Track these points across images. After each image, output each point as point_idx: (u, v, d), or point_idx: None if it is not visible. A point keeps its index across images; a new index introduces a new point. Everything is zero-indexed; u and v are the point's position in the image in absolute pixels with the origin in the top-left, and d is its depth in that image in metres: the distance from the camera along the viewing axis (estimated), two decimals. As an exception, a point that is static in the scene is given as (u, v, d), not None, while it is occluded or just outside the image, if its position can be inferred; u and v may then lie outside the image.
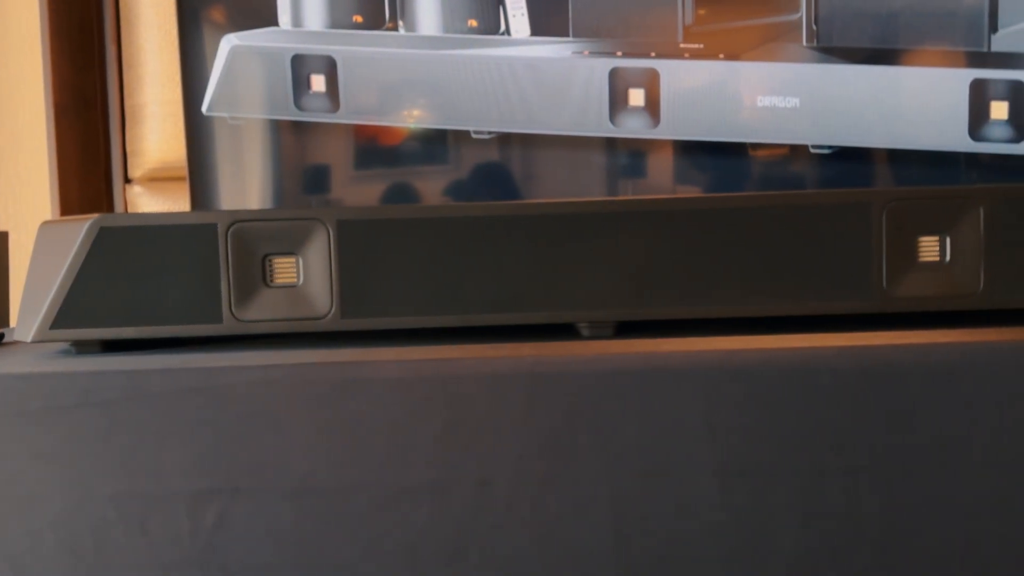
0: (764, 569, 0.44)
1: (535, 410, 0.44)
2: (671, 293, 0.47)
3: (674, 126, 0.74)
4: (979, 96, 0.73)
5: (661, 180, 0.77)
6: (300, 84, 0.76)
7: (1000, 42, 0.74)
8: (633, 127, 0.75)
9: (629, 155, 0.76)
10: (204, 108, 0.78)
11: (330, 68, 0.76)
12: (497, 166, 0.77)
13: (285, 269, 0.47)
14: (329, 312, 0.47)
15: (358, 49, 0.76)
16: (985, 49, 0.74)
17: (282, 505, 0.44)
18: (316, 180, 0.79)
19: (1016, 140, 0.73)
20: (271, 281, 0.48)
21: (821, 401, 0.44)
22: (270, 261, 0.47)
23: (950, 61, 0.74)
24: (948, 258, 0.47)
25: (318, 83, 0.76)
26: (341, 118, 0.76)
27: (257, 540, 0.44)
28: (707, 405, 0.44)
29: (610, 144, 0.75)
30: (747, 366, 0.44)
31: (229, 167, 0.79)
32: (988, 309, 0.47)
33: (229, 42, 0.77)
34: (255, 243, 0.47)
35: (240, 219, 0.47)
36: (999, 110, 0.73)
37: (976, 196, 0.46)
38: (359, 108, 0.76)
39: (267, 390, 0.44)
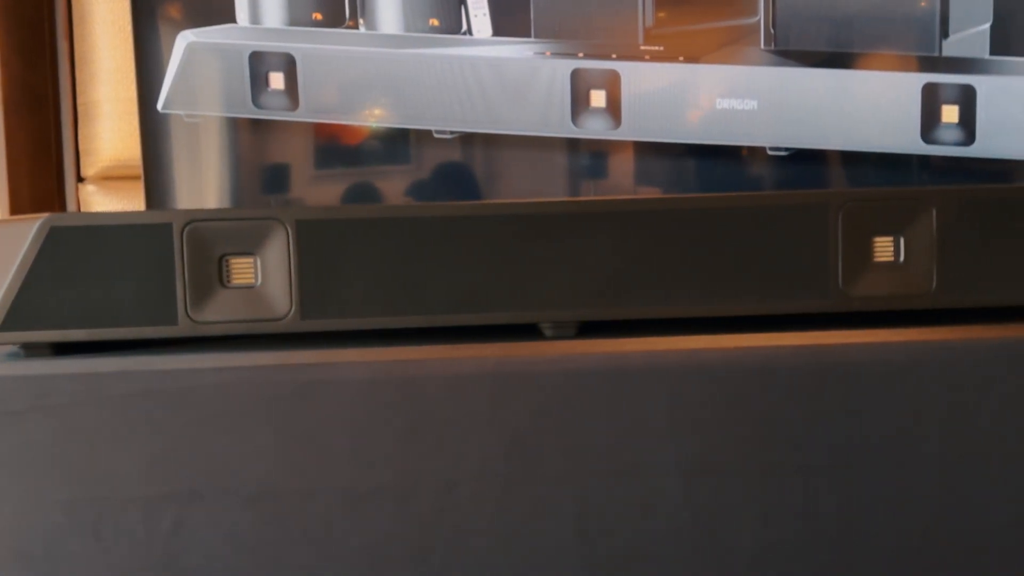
0: (725, 566, 0.45)
1: (499, 411, 0.44)
2: (633, 293, 0.47)
3: (635, 127, 0.75)
4: (931, 100, 0.74)
5: (622, 181, 0.77)
6: (258, 82, 0.75)
7: (951, 47, 0.76)
8: (595, 128, 0.75)
9: (591, 156, 0.76)
10: (159, 105, 0.76)
11: (289, 66, 0.75)
12: (459, 166, 0.77)
13: (242, 269, 0.47)
14: (288, 313, 0.47)
15: (318, 47, 0.75)
16: (937, 54, 0.76)
17: (241, 509, 0.44)
18: (275, 179, 0.78)
19: (966, 143, 0.75)
20: (228, 282, 0.47)
21: (780, 399, 0.45)
22: (227, 261, 0.47)
23: (903, 65, 0.75)
24: (902, 258, 0.47)
25: (276, 81, 0.75)
26: (301, 116, 0.75)
27: (215, 545, 0.44)
28: (669, 404, 0.44)
29: (572, 145, 0.76)
30: (708, 365, 0.45)
31: (185, 166, 0.77)
32: (940, 308, 0.48)
33: (185, 39, 0.75)
34: (211, 243, 0.46)
35: (196, 219, 0.46)
36: (950, 113, 0.74)
37: (928, 197, 0.47)
38: (319, 106, 0.75)
39: (224, 393, 0.44)
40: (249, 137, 0.76)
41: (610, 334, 0.47)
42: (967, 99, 0.74)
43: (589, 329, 0.48)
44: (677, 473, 0.45)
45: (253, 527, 0.44)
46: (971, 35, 0.76)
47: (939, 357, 0.45)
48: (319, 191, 0.77)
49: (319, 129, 0.76)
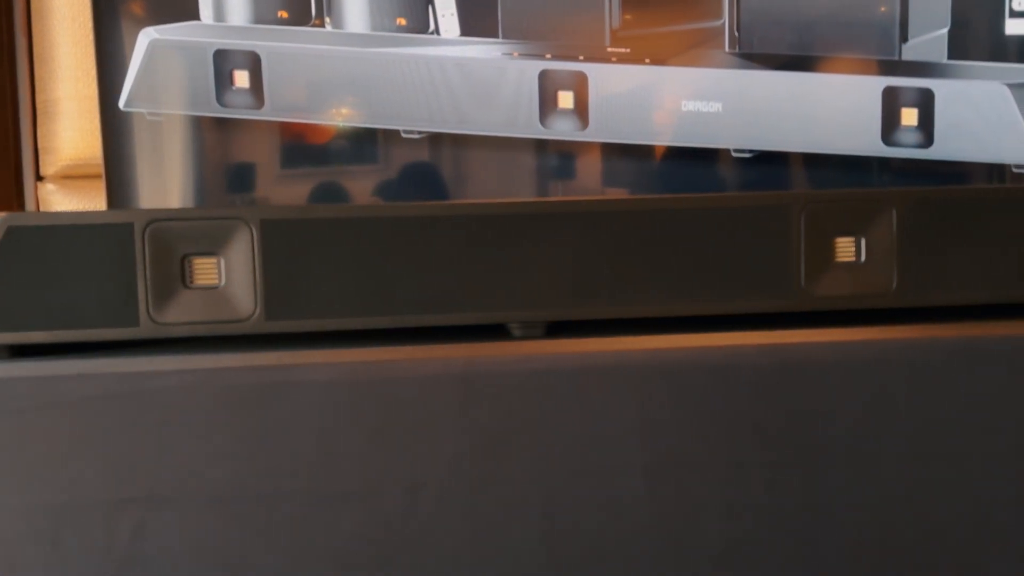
0: (691, 563, 0.45)
1: (467, 412, 0.44)
2: (600, 293, 0.48)
3: (603, 129, 0.75)
4: (891, 103, 0.76)
5: (590, 182, 0.78)
6: (223, 80, 0.74)
7: (910, 51, 0.77)
8: (563, 129, 0.75)
9: (559, 156, 0.77)
10: (121, 104, 0.75)
11: (254, 64, 0.74)
12: (427, 166, 0.77)
13: (205, 270, 0.46)
14: (253, 314, 0.46)
15: (283, 45, 0.74)
16: (896, 58, 0.77)
17: (204, 514, 0.43)
18: (240, 179, 0.77)
19: (925, 145, 0.76)
20: (191, 282, 0.46)
21: (744, 397, 0.45)
22: (189, 262, 0.46)
23: (864, 69, 0.77)
24: (863, 258, 0.48)
25: (241, 79, 0.74)
26: (266, 115, 0.74)
27: (178, 551, 0.43)
28: (636, 403, 0.45)
29: (540, 145, 0.76)
30: (674, 364, 0.45)
31: (148, 165, 0.76)
32: (901, 307, 0.49)
33: (148, 36, 0.74)
34: (173, 243, 0.46)
35: (158, 218, 0.45)
36: (909, 116, 0.76)
37: (889, 198, 0.48)
38: (285, 105, 0.74)
39: (187, 395, 0.43)
40: (213, 136, 0.75)
41: (577, 334, 0.47)
42: (926, 102, 0.76)
43: (557, 329, 0.48)
44: (643, 472, 0.45)
45: (217, 531, 0.43)
46: (929, 39, 0.77)
47: (900, 355, 0.46)
48: (285, 191, 0.76)
49: (285, 128, 0.75)
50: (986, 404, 0.46)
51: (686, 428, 0.45)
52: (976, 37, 0.79)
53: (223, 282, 0.46)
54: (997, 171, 0.79)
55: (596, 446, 0.45)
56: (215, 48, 0.74)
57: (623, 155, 0.76)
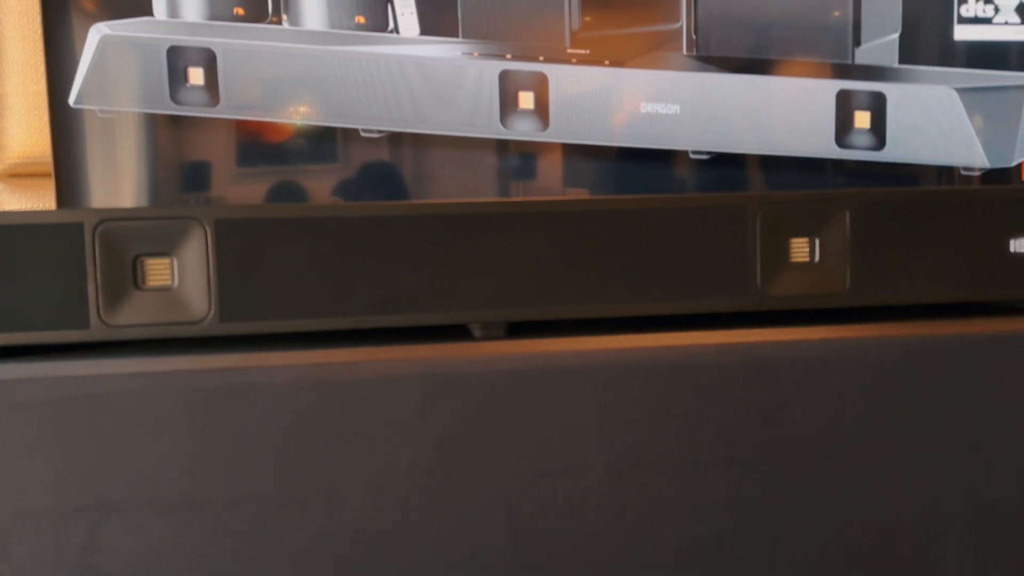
0: (654, 561, 0.45)
1: (429, 413, 0.44)
2: (561, 293, 0.48)
3: (563, 129, 0.75)
4: (844, 106, 0.77)
5: (551, 182, 0.78)
6: (176, 77, 0.73)
7: (863, 55, 0.79)
8: (523, 129, 0.75)
9: (520, 157, 0.77)
10: (71, 100, 0.73)
11: (209, 61, 0.73)
12: (387, 165, 0.76)
13: (158, 271, 0.45)
14: (207, 316, 0.45)
15: (239, 42, 0.73)
16: (850, 61, 0.79)
17: (159, 520, 0.42)
18: (195, 178, 0.75)
19: (877, 148, 0.78)
20: (143, 283, 0.45)
21: (704, 396, 0.46)
22: (141, 262, 0.45)
23: (818, 72, 0.78)
24: (817, 258, 0.49)
25: (196, 76, 0.73)
26: (221, 113, 0.73)
27: (133, 558, 0.42)
28: (598, 403, 0.45)
29: (501, 146, 0.76)
30: (635, 364, 0.45)
31: (99, 163, 0.74)
32: (854, 306, 0.50)
33: (99, 31, 0.72)
34: (125, 243, 0.45)
35: (109, 218, 0.44)
36: (862, 119, 0.77)
37: (842, 200, 0.49)
38: (241, 103, 0.73)
39: (140, 399, 0.42)
40: (167, 134, 0.74)
41: (539, 334, 0.47)
42: (878, 105, 0.77)
43: (518, 329, 0.48)
44: (606, 471, 0.45)
45: (173, 538, 0.42)
46: (881, 44, 0.79)
47: (852, 353, 0.47)
48: (242, 190, 0.75)
49: (241, 126, 0.74)
50: (937, 400, 0.47)
51: (647, 427, 0.45)
52: (926, 42, 0.81)
53: (176, 283, 0.45)
54: (946, 173, 0.81)
55: (558, 446, 0.45)
56: (169, 45, 0.72)
57: (584, 156, 0.77)
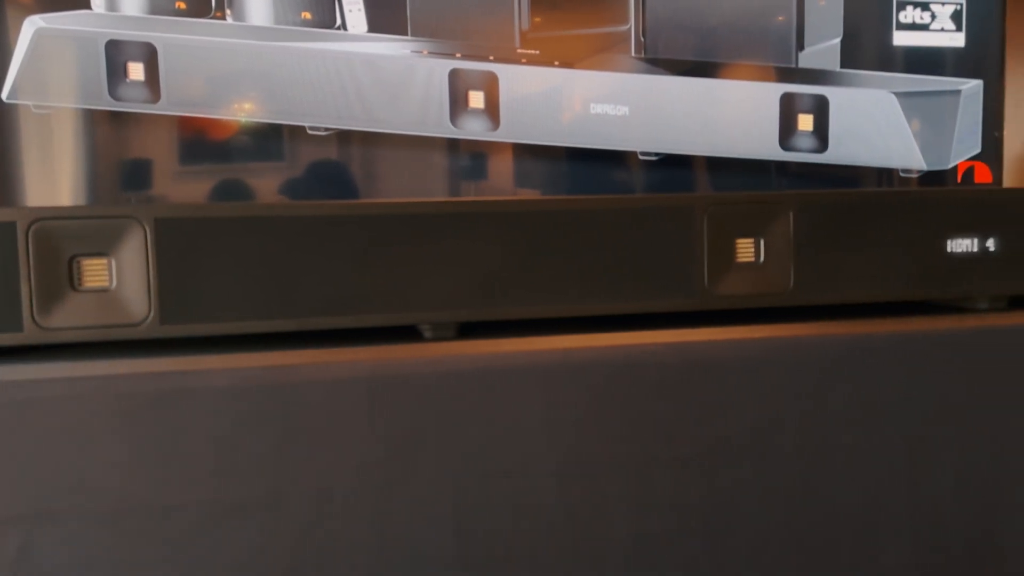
0: (601, 560, 0.46)
1: (376, 415, 0.43)
2: (511, 293, 0.47)
3: (513, 129, 0.75)
4: (788, 109, 0.79)
5: (502, 182, 0.78)
6: (115, 72, 0.71)
7: (806, 59, 0.80)
8: (474, 129, 0.75)
9: (471, 156, 0.76)
10: (3, 95, 0.71)
11: (150, 56, 0.71)
12: (335, 164, 0.75)
13: (95, 271, 0.44)
14: (146, 318, 0.44)
15: (181, 37, 0.71)
16: (793, 65, 0.80)
17: (96, 530, 0.41)
18: (135, 176, 0.73)
19: (820, 150, 0.79)
20: (79, 285, 0.44)
21: (650, 395, 0.46)
22: (78, 263, 0.43)
23: (763, 75, 0.79)
24: (762, 258, 0.50)
25: (136, 71, 0.71)
26: (162, 109, 0.71)
27: (69, 569, 0.41)
28: (547, 403, 0.45)
29: (452, 145, 0.75)
30: (583, 363, 0.45)
31: (35, 160, 0.72)
32: (797, 305, 0.51)
33: (33, 24, 0.70)
34: (60, 243, 0.43)
35: (43, 217, 0.43)
36: (805, 122, 0.79)
37: (786, 201, 0.50)
38: (183, 99, 0.71)
39: (76, 404, 0.41)
40: (106, 130, 0.72)
41: (489, 335, 0.47)
42: (820, 108, 0.79)
43: (468, 330, 0.48)
44: (553, 471, 0.45)
45: (111, 547, 0.41)
46: (824, 48, 0.81)
47: (795, 351, 0.48)
48: (185, 188, 0.73)
49: (184, 123, 0.72)
50: (876, 397, 0.48)
51: (595, 427, 0.45)
52: (866, 47, 0.83)
53: (114, 284, 0.44)
54: (886, 175, 0.83)
55: (507, 446, 0.44)
56: (107, 39, 0.70)
57: (535, 156, 0.77)
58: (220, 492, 0.42)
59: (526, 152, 0.77)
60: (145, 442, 0.41)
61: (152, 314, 0.44)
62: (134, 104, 0.71)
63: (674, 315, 0.50)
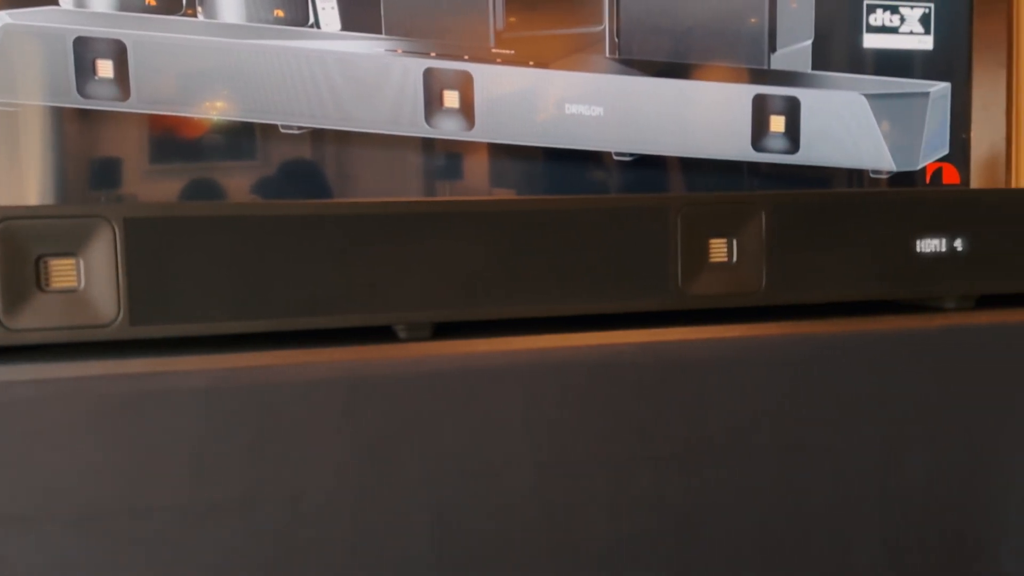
0: (579, 560, 0.46)
1: (352, 417, 0.43)
2: (487, 293, 0.47)
3: (488, 129, 0.75)
4: (761, 110, 0.80)
5: (477, 182, 0.78)
6: (84, 69, 0.70)
7: (778, 61, 0.81)
8: (449, 128, 0.75)
9: (446, 156, 0.76)
10: (-33, 91, 0.69)
11: (119, 53, 0.70)
12: (308, 163, 0.74)
13: (63, 272, 0.43)
14: (116, 319, 0.43)
15: (151, 34, 0.70)
16: (766, 67, 0.81)
17: (67, 535, 0.40)
18: (105, 175, 0.72)
19: (792, 151, 0.80)
20: (47, 285, 0.43)
21: (627, 394, 0.46)
22: (45, 263, 0.43)
23: (736, 77, 0.80)
24: (735, 258, 0.50)
25: (105, 68, 0.70)
26: (132, 107, 0.70)
27: (41, 574, 0.40)
28: (524, 403, 0.45)
29: (427, 145, 0.75)
30: (560, 363, 0.45)
31: (1, 158, 0.70)
32: (770, 305, 0.51)
33: (0, 20, 0.69)
34: (27, 243, 0.42)
35: (9, 216, 0.42)
36: (777, 123, 0.80)
37: (758, 202, 0.50)
38: (153, 97, 0.70)
39: (45, 407, 0.40)
40: (75, 128, 0.71)
41: (465, 335, 0.47)
42: (792, 110, 0.80)
43: (444, 330, 0.48)
44: (531, 471, 0.45)
45: (81, 553, 0.40)
46: (795, 50, 0.82)
47: (767, 350, 0.48)
48: (155, 187, 0.72)
49: (154, 121, 0.71)
50: (848, 395, 0.49)
51: (572, 427, 0.45)
52: (837, 49, 0.84)
53: (82, 284, 0.43)
54: (856, 176, 0.84)
55: (484, 448, 0.44)
56: (75, 35, 0.69)
57: (510, 156, 0.77)
58: (194, 495, 0.41)
59: (501, 152, 0.77)
60: (116, 445, 0.41)
61: (122, 315, 0.43)
62: (103, 102, 0.70)
63: (649, 315, 0.50)
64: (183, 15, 0.71)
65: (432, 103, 0.74)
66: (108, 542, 0.41)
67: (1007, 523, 0.51)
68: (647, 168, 0.79)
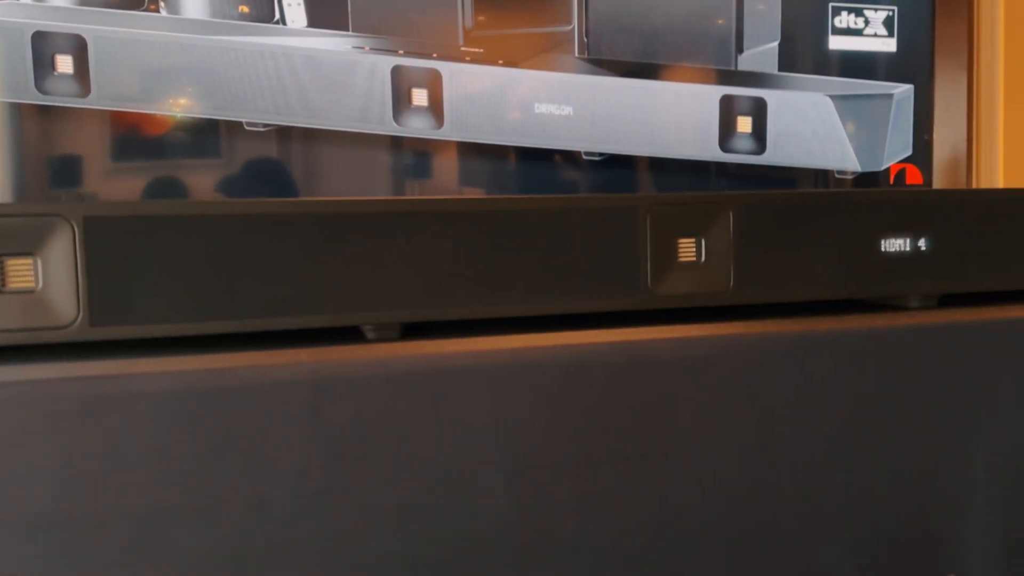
0: (548, 560, 0.46)
1: (317, 419, 0.42)
2: (456, 293, 0.47)
3: (458, 127, 0.75)
4: (728, 111, 0.80)
5: (446, 181, 0.77)
6: (43, 65, 0.68)
7: (745, 62, 0.82)
8: (417, 127, 0.74)
9: (415, 155, 0.76)
10: (-80, 86, 0.67)
11: (79, 48, 0.68)
12: (274, 161, 0.73)
13: (19, 272, 0.42)
14: (75, 320, 0.42)
15: (112, 29, 0.69)
16: (733, 68, 0.82)
17: (24, 541, 0.39)
18: (65, 172, 0.71)
19: (758, 152, 0.81)
20: (3, 286, 0.42)
21: (596, 394, 0.46)
22: (2, 263, 0.41)
23: (703, 78, 0.81)
24: (703, 258, 0.50)
25: (64, 64, 0.68)
26: (93, 104, 0.69)
27: (-8, 584, 0.39)
28: (493, 404, 0.45)
29: (395, 143, 0.75)
30: (529, 363, 0.45)
31: (-45, 156, 0.69)
32: (737, 304, 0.51)
33: (-47, 12, 0.67)
34: (-18, 243, 0.41)
35: (-37, 215, 0.41)
36: (744, 124, 0.81)
37: (726, 202, 0.51)
38: (114, 94, 0.69)
39: (2, 410, 0.39)
40: (34, 125, 0.69)
41: (433, 335, 0.47)
42: (759, 111, 0.80)
43: (412, 330, 0.47)
44: (500, 472, 0.45)
45: (39, 560, 0.39)
46: (762, 51, 0.82)
47: (735, 349, 0.49)
48: (117, 186, 0.71)
49: (116, 118, 0.69)
50: (815, 394, 0.49)
51: (541, 426, 0.45)
52: (803, 51, 0.85)
53: (40, 285, 0.42)
54: (822, 176, 0.85)
55: (453, 449, 0.44)
56: (33, 30, 0.67)
57: (479, 155, 0.76)
58: (156, 500, 0.40)
59: (471, 151, 0.76)
60: (75, 450, 0.40)
61: (81, 316, 0.42)
62: (63, 98, 0.68)
63: (618, 314, 0.50)
64: (145, 10, 0.70)
65: (400, 101, 0.74)
66: (66, 551, 0.40)
67: (970, 518, 0.52)
68: (617, 168, 0.79)
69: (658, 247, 0.49)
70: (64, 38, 0.68)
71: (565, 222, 0.48)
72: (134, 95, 0.70)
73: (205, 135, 0.71)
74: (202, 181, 0.72)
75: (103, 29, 0.69)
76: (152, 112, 0.70)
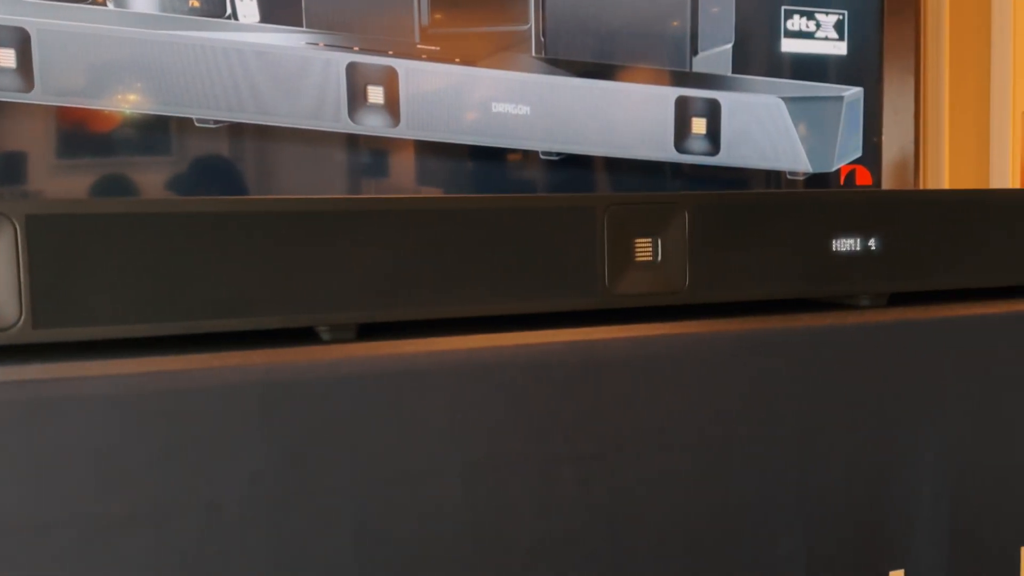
0: (506, 561, 0.45)
1: (270, 422, 0.41)
2: (412, 293, 0.47)
3: (414, 126, 0.74)
4: (683, 112, 0.81)
5: (403, 180, 0.77)
6: (-18, 57, 0.66)
7: (700, 64, 0.83)
8: (373, 125, 0.74)
9: (371, 154, 0.75)
10: None
11: (21, 41, 0.66)
12: (225, 159, 0.72)
13: (-43, 273, 0.40)
14: (17, 322, 0.41)
15: (57, 22, 0.67)
16: (688, 69, 0.82)
17: (-39, 552, 0.38)
18: (8, 169, 0.68)
19: (713, 152, 0.82)
20: (-61, 287, 0.40)
21: (554, 393, 0.46)
22: (-63, 264, 0.40)
23: (659, 79, 0.81)
24: (660, 258, 0.51)
25: (6, 58, 0.66)
26: (36, 99, 0.67)
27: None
28: (450, 405, 0.44)
29: (351, 141, 0.74)
30: (487, 364, 0.45)
31: None
32: (692, 303, 0.52)
33: None
34: (-83, 242, 0.39)
35: None
36: (699, 125, 0.81)
37: (681, 202, 0.51)
38: (59, 89, 0.67)
39: (-64, 417, 0.37)
40: (-28, 120, 0.66)
41: (390, 336, 0.46)
42: (713, 112, 0.81)
43: (368, 331, 0.47)
44: (458, 474, 0.44)
45: (-21, 569, 0.38)
46: (716, 53, 0.83)
47: (691, 348, 0.49)
48: (63, 183, 0.69)
49: (62, 114, 0.67)
50: (768, 391, 0.50)
51: (499, 427, 0.45)
52: (756, 53, 0.86)
53: (-20, 286, 0.40)
54: (774, 177, 0.86)
55: (410, 451, 0.44)
56: (-27, 21, 0.65)
57: (437, 154, 0.76)
58: (102, 507, 0.39)
59: (427, 150, 0.76)
60: (17, 455, 0.38)
61: (24, 317, 0.41)
62: (4, 93, 0.66)
63: (576, 314, 0.50)
64: (92, 3, 0.68)
65: (356, 98, 0.73)
66: (10, 559, 0.38)
67: (921, 513, 0.53)
68: (574, 168, 0.79)
69: (615, 247, 0.50)
70: (5, 30, 0.66)
71: (522, 222, 0.48)
72: (80, 90, 0.68)
73: (154, 131, 0.70)
74: (151, 179, 0.70)
75: (48, 22, 0.67)
76: (99, 108, 0.68)
